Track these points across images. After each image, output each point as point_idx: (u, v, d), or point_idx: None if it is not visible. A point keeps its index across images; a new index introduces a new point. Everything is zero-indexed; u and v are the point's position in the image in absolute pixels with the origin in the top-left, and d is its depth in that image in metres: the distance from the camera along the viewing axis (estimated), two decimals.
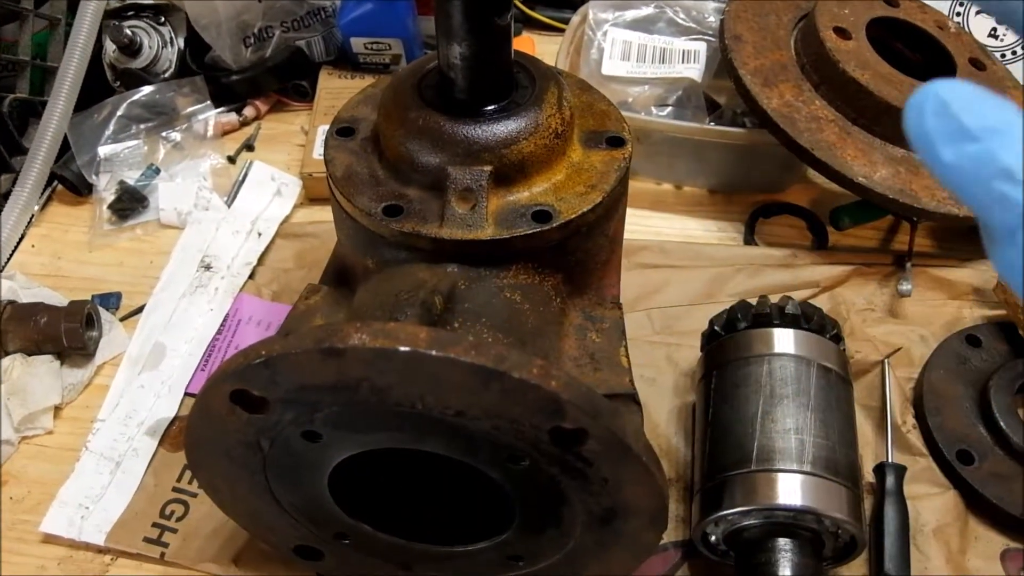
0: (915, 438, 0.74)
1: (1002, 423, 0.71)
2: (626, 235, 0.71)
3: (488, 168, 0.57)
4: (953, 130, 0.30)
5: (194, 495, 0.72)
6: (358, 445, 0.51)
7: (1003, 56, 1.05)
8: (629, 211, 0.68)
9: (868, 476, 0.71)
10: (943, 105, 0.30)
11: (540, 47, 1.14)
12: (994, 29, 1.05)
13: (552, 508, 0.52)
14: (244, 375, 0.47)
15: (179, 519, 0.71)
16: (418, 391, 0.45)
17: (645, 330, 0.82)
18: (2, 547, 0.71)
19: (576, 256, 0.61)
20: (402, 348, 0.43)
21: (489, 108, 0.59)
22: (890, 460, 0.71)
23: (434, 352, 0.43)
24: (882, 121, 0.83)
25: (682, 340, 0.80)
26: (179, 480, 0.73)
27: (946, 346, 0.79)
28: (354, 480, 0.56)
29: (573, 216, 0.57)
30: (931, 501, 0.70)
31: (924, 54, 0.93)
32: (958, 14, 1.06)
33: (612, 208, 0.61)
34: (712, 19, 1.01)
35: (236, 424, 0.50)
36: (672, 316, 0.83)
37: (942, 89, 0.30)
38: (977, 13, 1.07)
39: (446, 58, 0.57)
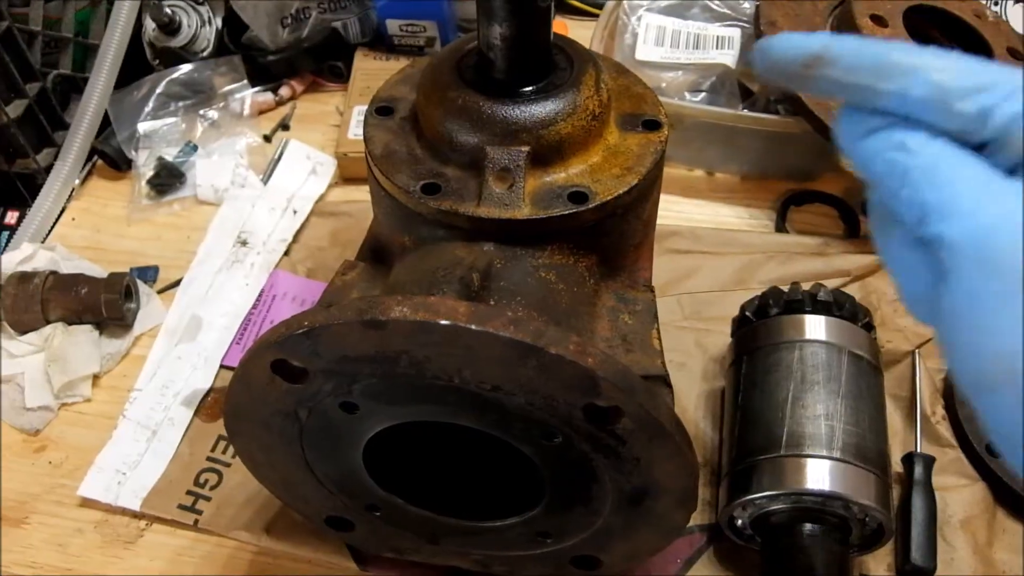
0: (944, 429, 0.74)
1: None
2: (658, 220, 0.71)
3: (526, 148, 0.57)
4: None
5: (228, 464, 0.74)
6: (394, 417, 0.52)
7: None
8: (660, 196, 0.69)
9: (897, 466, 0.71)
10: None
11: (573, 32, 1.13)
12: None
13: (583, 486, 0.53)
14: (285, 345, 0.48)
15: (213, 488, 0.73)
16: (456, 364, 0.46)
17: (675, 315, 0.83)
18: (41, 510, 0.73)
19: (611, 238, 0.61)
20: (442, 321, 0.44)
21: (527, 89, 0.59)
22: (919, 450, 0.71)
23: (473, 326, 0.43)
24: None
25: (712, 326, 0.80)
26: (213, 450, 0.75)
27: None
28: (388, 452, 0.57)
29: (609, 198, 0.58)
30: (959, 493, 0.70)
31: (961, 43, 0.93)
32: (996, 3, 1.05)
33: (647, 191, 0.62)
34: (747, 5, 1.00)
35: (275, 394, 0.51)
36: (702, 302, 0.83)
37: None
38: (1016, 2, 1.06)
39: (486, 39, 0.58)
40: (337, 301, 0.62)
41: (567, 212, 0.57)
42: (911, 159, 0.33)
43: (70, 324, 0.81)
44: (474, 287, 0.53)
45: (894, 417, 0.74)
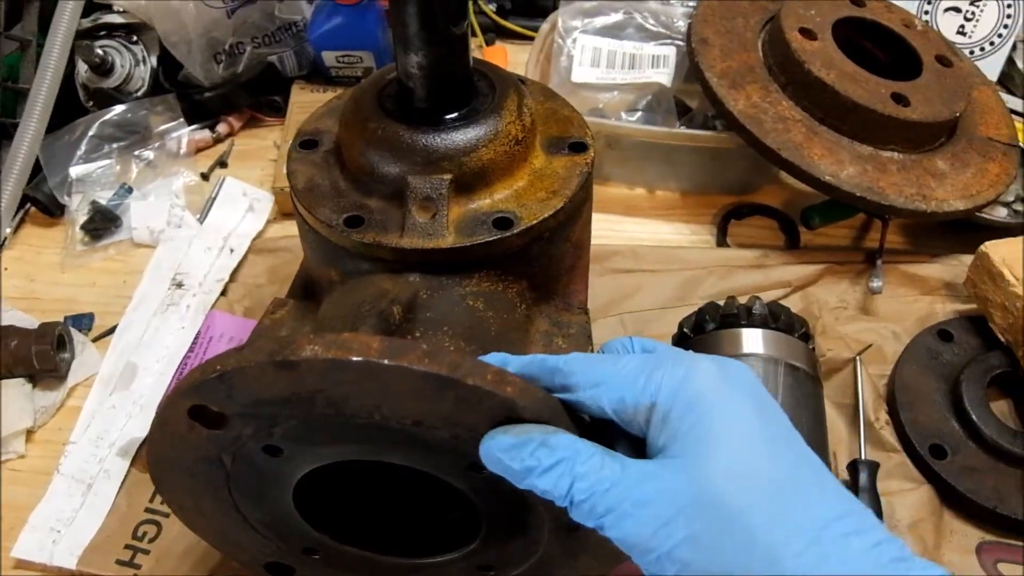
0: (888, 434, 0.74)
1: (974, 416, 0.71)
2: (599, 240, 0.71)
3: (448, 176, 0.57)
4: (510, 472, 0.43)
5: (167, 515, 0.72)
6: (320, 458, 0.51)
7: (971, 52, 1.05)
8: (601, 216, 0.69)
9: (842, 473, 0.71)
10: (497, 458, 0.43)
11: (513, 56, 1.14)
12: (962, 26, 1.06)
13: (518, 516, 0.52)
14: (200, 390, 0.46)
15: (152, 540, 0.71)
16: (374, 401, 0.45)
17: (617, 334, 0.81)
18: None
19: (540, 262, 0.60)
20: (354, 358, 0.43)
21: (449, 116, 0.59)
22: (863, 457, 0.71)
23: (386, 361, 0.43)
24: (848, 120, 0.83)
25: None
26: (152, 500, 0.73)
27: (918, 341, 0.79)
28: (320, 494, 0.55)
29: (534, 222, 0.57)
30: (905, 497, 0.70)
31: (891, 53, 0.94)
32: (926, 12, 1.07)
33: (575, 213, 0.61)
34: (681, 23, 1.01)
35: (196, 440, 0.50)
36: (645, 320, 0.83)
37: (493, 446, 0.43)
38: (946, 11, 1.08)
39: (404, 68, 0.57)
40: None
41: (492, 239, 0.56)
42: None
43: (1, 379, 0.79)
44: (394, 320, 0.52)
45: (838, 424, 0.74)
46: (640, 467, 0.41)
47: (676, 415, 0.42)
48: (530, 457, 0.42)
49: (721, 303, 0.70)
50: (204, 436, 0.49)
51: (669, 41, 1.02)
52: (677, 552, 0.39)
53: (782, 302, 0.75)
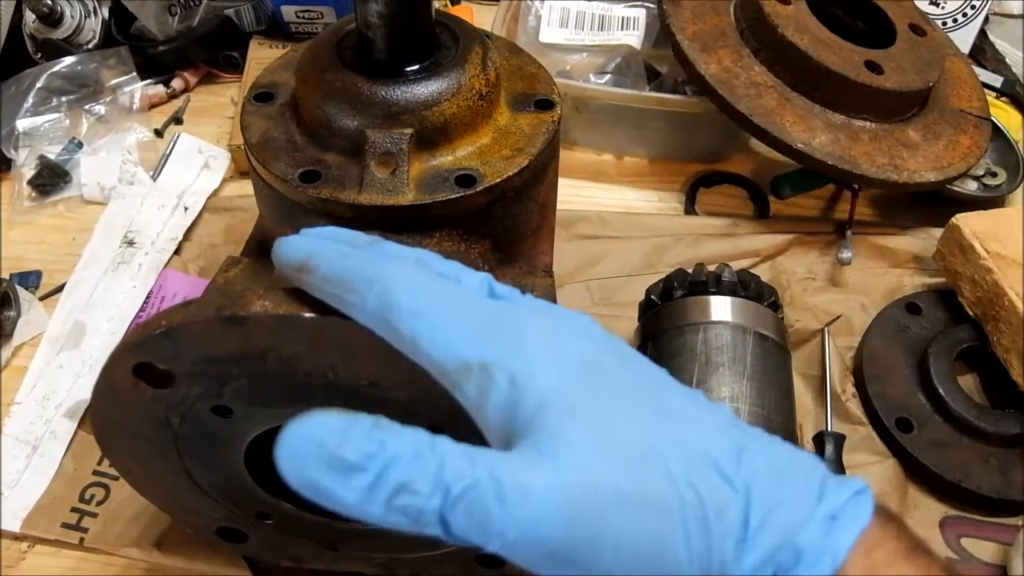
0: (855, 407, 0.73)
1: (940, 390, 0.71)
2: (565, 206, 0.69)
3: (409, 131, 0.54)
4: (340, 469, 0.32)
5: (115, 478, 0.70)
6: (271, 419, 0.49)
7: (944, 24, 1.04)
8: (568, 182, 0.67)
9: (808, 446, 0.70)
10: (320, 446, 0.32)
11: (479, 16, 1.11)
12: None
13: None
14: (145, 347, 0.44)
15: (99, 503, 0.69)
16: (328, 361, 0.43)
17: (584, 302, 0.81)
18: None
19: (504, 222, 0.58)
20: (307, 314, 0.41)
21: (410, 69, 0.56)
22: (830, 429, 0.70)
23: (341, 319, 0.41)
24: (821, 87, 0.82)
25: (620, 312, 0.78)
26: (100, 463, 0.71)
27: (886, 314, 0.78)
28: (272, 455, 0.53)
29: (498, 180, 0.55)
30: (871, 470, 0.70)
31: (865, 20, 0.92)
32: None
33: (540, 172, 0.59)
34: None
35: (142, 400, 0.48)
36: (611, 288, 0.82)
37: (312, 428, 0.33)
38: None
39: (363, 16, 0.55)
40: None
41: (454, 196, 0.54)
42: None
43: None
44: None
45: (804, 396, 0.73)
46: (520, 450, 0.33)
47: (521, 383, 0.34)
48: (367, 439, 0.33)
49: (690, 270, 0.69)
50: (150, 396, 0.47)
51: (639, 3, 1.00)
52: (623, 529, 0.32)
53: (751, 271, 0.74)
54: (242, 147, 0.89)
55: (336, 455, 0.32)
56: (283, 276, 0.42)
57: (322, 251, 0.40)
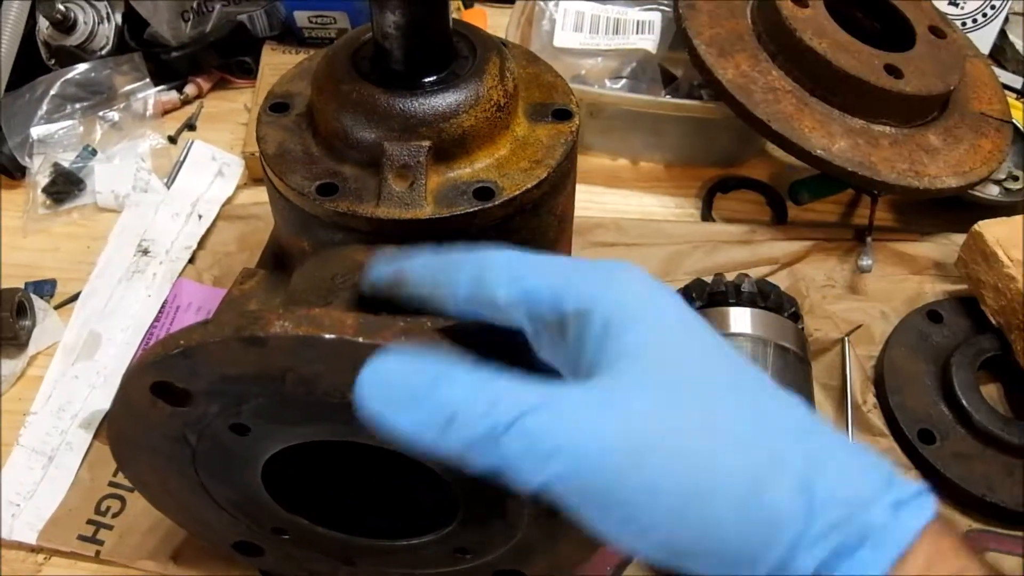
0: (876, 418, 0.72)
1: (964, 401, 0.70)
2: (580, 213, 0.68)
3: (427, 143, 0.54)
4: (403, 395, 0.34)
5: (131, 490, 0.69)
6: (290, 438, 0.48)
7: (963, 24, 1.03)
8: (583, 188, 0.66)
9: None
10: (386, 378, 0.35)
11: (492, 19, 1.10)
12: None
13: (496, 499, 0.50)
14: (163, 366, 0.44)
15: (115, 515, 0.68)
16: (347, 380, 0.42)
17: None
18: None
19: (522, 235, 0.58)
20: (327, 336, 0.40)
21: (427, 80, 0.56)
22: (851, 440, 0.69)
23: (361, 339, 0.40)
24: (840, 91, 0.81)
25: None
26: (115, 475, 0.70)
27: (907, 322, 0.77)
28: (290, 472, 0.53)
29: (517, 193, 0.54)
30: None
31: (883, 22, 0.91)
32: None
33: (559, 184, 0.59)
34: None
35: (160, 418, 0.47)
36: None
37: (382, 364, 0.35)
38: None
39: (380, 27, 0.54)
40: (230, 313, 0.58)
41: (472, 210, 0.54)
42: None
43: None
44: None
45: (825, 407, 0.73)
46: (586, 385, 0.34)
47: (620, 323, 0.35)
48: (433, 368, 0.35)
49: (708, 280, 0.68)
50: (168, 413, 0.47)
51: (655, 6, 0.99)
52: (664, 483, 0.32)
53: (769, 279, 0.73)
54: (256, 154, 0.90)
55: (400, 386, 0.35)
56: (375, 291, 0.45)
57: (409, 264, 0.42)
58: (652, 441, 0.32)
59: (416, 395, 0.34)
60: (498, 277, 0.38)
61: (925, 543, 0.32)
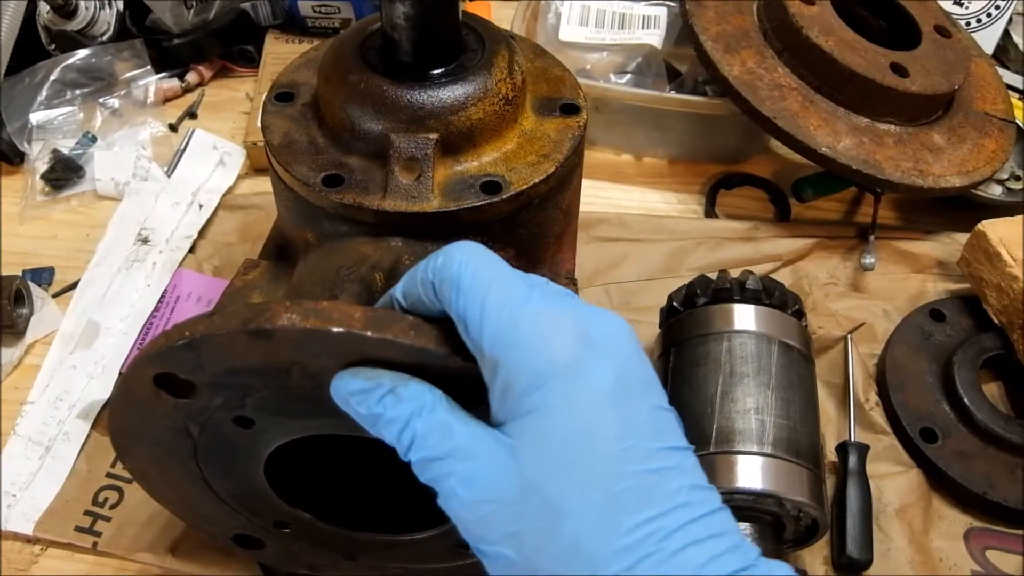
0: (878, 415, 0.72)
1: (965, 399, 0.70)
2: (584, 208, 0.68)
3: (434, 136, 0.53)
4: (357, 415, 0.41)
5: (129, 481, 0.69)
6: (293, 431, 0.48)
7: (967, 24, 1.03)
8: (587, 183, 0.66)
9: (831, 455, 0.69)
10: (345, 400, 0.41)
11: (496, 12, 1.09)
12: None
13: None
14: (167, 357, 0.43)
15: (113, 506, 0.68)
16: None
17: (604, 305, 0.79)
18: None
19: (528, 229, 0.57)
20: (335, 329, 0.40)
21: (435, 72, 0.55)
22: (853, 439, 0.69)
23: (370, 333, 0.40)
24: (846, 89, 0.81)
25: (641, 316, 0.77)
26: (113, 466, 0.70)
27: (910, 321, 0.77)
28: (292, 466, 0.53)
29: (524, 187, 0.54)
30: (894, 480, 0.69)
31: (889, 21, 0.91)
32: None
33: (566, 179, 0.58)
34: None
35: (162, 409, 0.47)
36: (631, 291, 0.81)
37: (341, 385, 0.41)
38: None
39: (389, 18, 0.54)
40: (234, 304, 0.58)
41: (479, 203, 0.53)
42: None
43: None
44: (377, 287, 0.49)
45: (827, 405, 0.72)
46: (478, 440, 0.38)
47: (518, 390, 0.38)
48: (377, 404, 0.40)
49: (712, 276, 0.68)
50: (170, 405, 0.46)
51: (660, 1, 0.98)
52: (500, 546, 0.37)
53: (772, 276, 0.73)
54: (259, 144, 0.89)
55: (354, 410, 0.41)
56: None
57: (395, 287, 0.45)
58: (498, 519, 0.37)
59: (366, 420, 0.41)
60: (447, 284, 0.40)
61: None
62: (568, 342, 0.38)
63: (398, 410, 0.39)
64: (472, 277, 0.40)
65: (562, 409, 0.37)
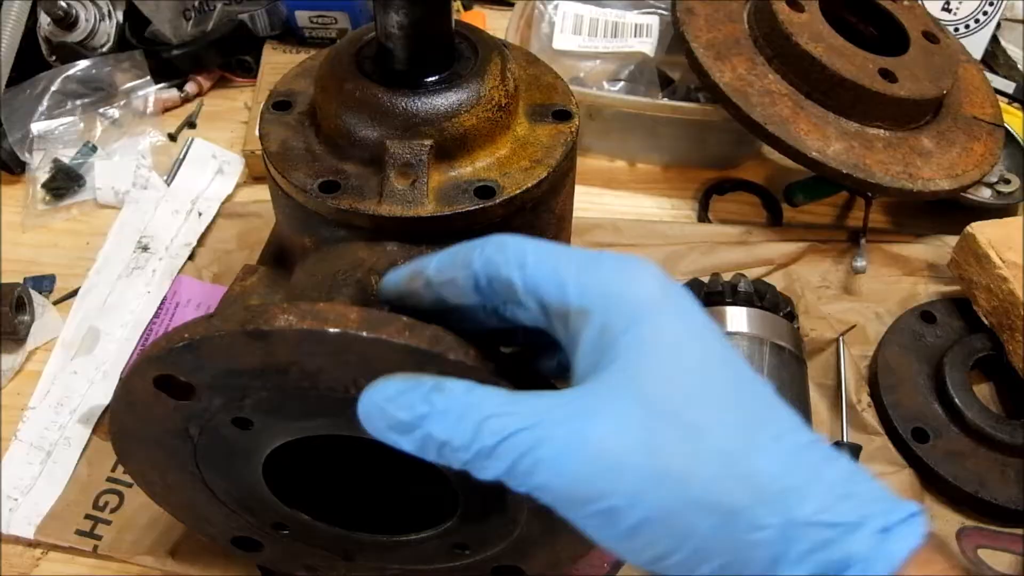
0: (870, 416, 0.73)
1: (956, 400, 0.71)
2: (578, 213, 0.69)
3: (428, 142, 0.54)
4: (397, 424, 0.37)
5: (129, 485, 0.70)
6: (292, 432, 0.49)
7: (956, 30, 1.04)
8: (581, 189, 0.67)
9: None
10: (382, 408, 0.37)
11: (491, 22, 1.11)
12: (947, 2, 1.04)
13: (496, 494, 0.50)
14: (168, 359, 0.44)
15: (113, 510, 0.69)
16: (351, 375, 0.43)
17: None
18: None
19: (522, 233, 0.58)
20: (331, 330, 0.41)
21: (429, 79, 0.56)
22: (845, 439, 0.70)
23: (365, 333, 0.41)
24: (835, 95, 0.82)
25: None
26: (114, 470, 0.71)
27: (901, 323, 0.78)
28: (291, 467, 0.53)
29: (517, 192, 0.55)
30: (886, 480, 0.69)
31: (877, 27, 0.92)
32: None
33: (558, 184, 0.59)
34: None
35: (163, 411, 0.48)
36: None
37: (376, 392, 0.38)
38: None
39: (383, 27, 0.55)
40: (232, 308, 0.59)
41: (473, 208, 0.54)
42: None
43: None
44: (372, 290, 0.50)
45: (819, 406, 0.73)
46: (570, 396, 0.36)
47: (618, 329, 0.36)
48: (422, 402, 0.36)
49: (705, 280, 0.69)
50: (170, 407, 0.47)
51: (652, 10, 1.00)
52: (640, 499, 0.33)
53: (765, 280, 0.74)
54: (257, 153, 0.90)
55: (393, 416, 0.37)
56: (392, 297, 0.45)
57: (425, 258, 0.43)
58: (630, 460, 0.33)
59: (408, 426, 0.37)
60: (510, 263, 0.39)
61: (913, 569, 0.32)
62: (654, 280, 0.38)
63: (447, 401, 0.36)
64: (535, 251, 0.39)
65: (675, 333, 0.36)
